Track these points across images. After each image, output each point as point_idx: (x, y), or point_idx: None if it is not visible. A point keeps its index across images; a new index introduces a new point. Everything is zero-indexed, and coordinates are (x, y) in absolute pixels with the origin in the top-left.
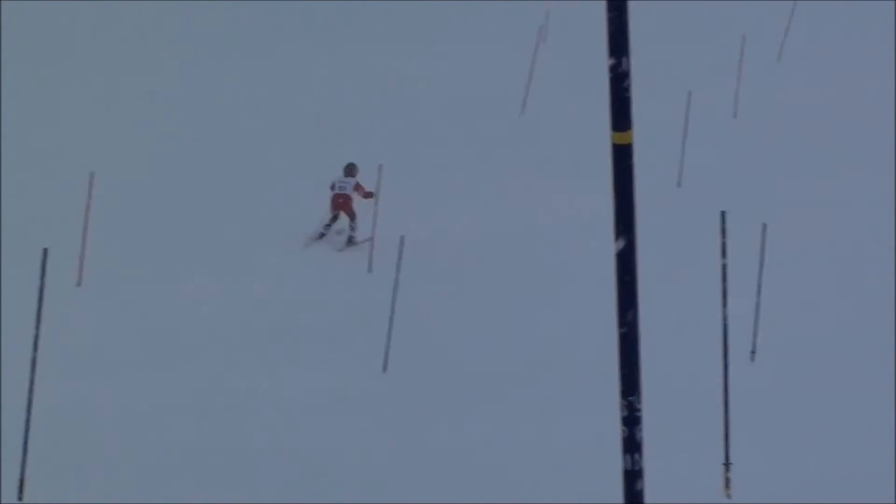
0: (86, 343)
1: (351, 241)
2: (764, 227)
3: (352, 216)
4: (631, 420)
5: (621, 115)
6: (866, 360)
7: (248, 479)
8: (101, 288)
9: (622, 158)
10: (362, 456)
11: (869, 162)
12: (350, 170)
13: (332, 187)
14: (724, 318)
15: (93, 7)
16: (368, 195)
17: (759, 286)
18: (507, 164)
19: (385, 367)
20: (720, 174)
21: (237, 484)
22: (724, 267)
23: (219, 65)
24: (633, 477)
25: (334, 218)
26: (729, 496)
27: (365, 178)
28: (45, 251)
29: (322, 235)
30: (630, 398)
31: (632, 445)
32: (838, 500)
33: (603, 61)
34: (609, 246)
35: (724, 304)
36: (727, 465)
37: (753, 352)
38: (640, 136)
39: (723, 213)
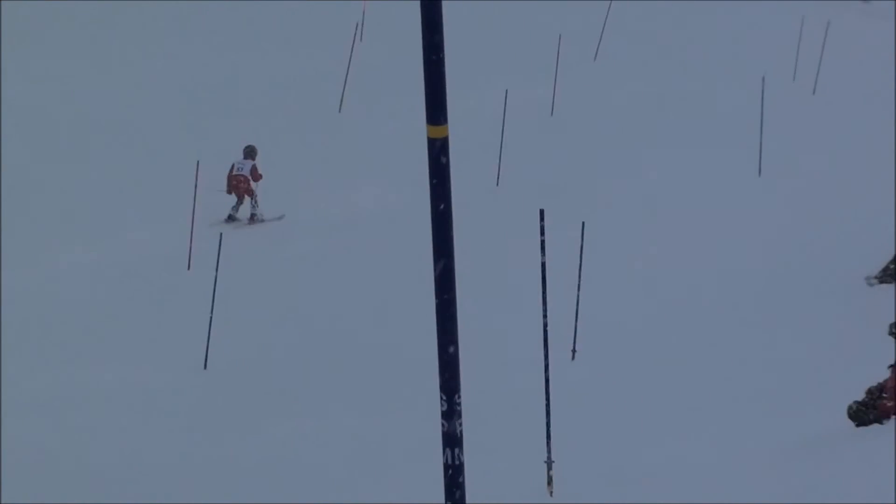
0: None
1: (254, 218)
2: (583, 225)
3: (251, 195)
4: (450, 414)
5: (436, 108)
6: (683, 356)
7: (54, 479)
8: None
9: (437, 153)
10: (176, 455)
11: (682, 160)
12: (249, 152)
13: (232, 168)
14: (545, 317)
15: None
16: (257, 178)
17: (579, 284)
18: (324, 161)
19: (205, 364)
20: (538, 172)
21: (44, 484)
22: (543, 265)
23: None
24: (453, 471)
25: (239, 200)
26: (551, 493)
27: (184, 174)
28: None
29: (231, 217)
30: (448, 392)
31: (452, 440)
32: (657, 496)
33: (420, 58)
34: (423, 238)
35: (545, 302)
36: (549, 462)
37: (574, 350)
38: (458, 134)
39: (541, 211)
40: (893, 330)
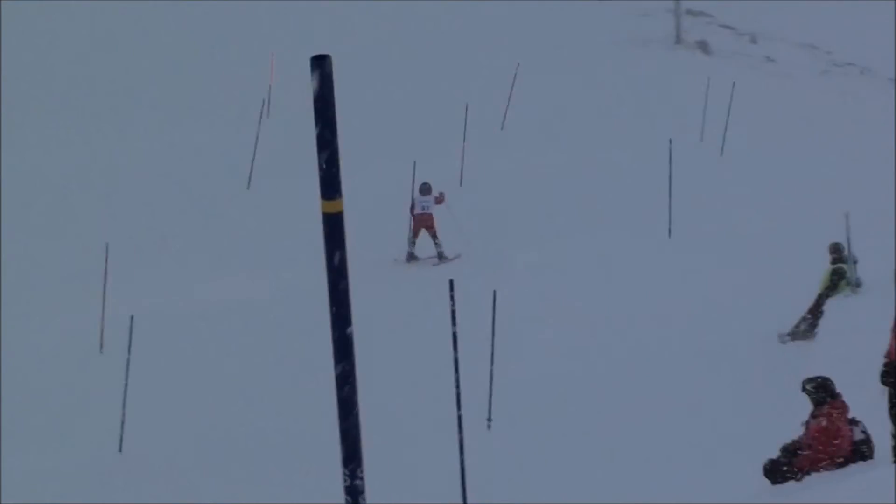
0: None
1: (441, 257)
2: (494, 293)
3: (434, 235)
4: (353, 490)
5: (329, 182)
6: (598, 420)
7: None
8: None
9: (332, 227)
10: None
11: (592, 225)
12: (426, 188)
13: (412, 208)
14: (457, 386)
15: None
16: (440, 199)
17: (493, 353)
18: (233, 238)
19: (121, 447)
20: (449, 241)
21: None
22: (454, 335)
23: None
24: None
25: (416, 236)
26: None
27: (94, 257)
28: None
29: (412, 255)
30: (351, 466)
31: None
32: None
33: None
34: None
35: (457, 371)
36: None
37: (489, 419)
38: (365, 207)
39: (451, 281)
40: (807, 386)
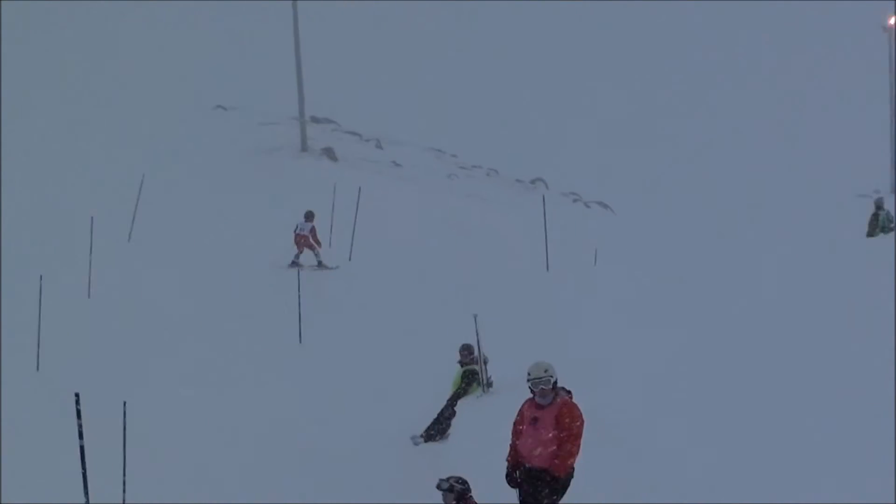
0: None
1: (321, 265)
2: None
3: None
4: None
5: None
6: None
7: None
8: None
9: None
10: None
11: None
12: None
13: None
14: None
15: None
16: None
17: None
18: None
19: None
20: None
21: None
22: (81, 448)
23: None
24: None
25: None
26: None
27: None
28: None
29: (294, 264)
30: None
31: None
32: None
33: None
34: None
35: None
36: None
37: None
38: None
39: (77, 395)
40: (442, 486)
